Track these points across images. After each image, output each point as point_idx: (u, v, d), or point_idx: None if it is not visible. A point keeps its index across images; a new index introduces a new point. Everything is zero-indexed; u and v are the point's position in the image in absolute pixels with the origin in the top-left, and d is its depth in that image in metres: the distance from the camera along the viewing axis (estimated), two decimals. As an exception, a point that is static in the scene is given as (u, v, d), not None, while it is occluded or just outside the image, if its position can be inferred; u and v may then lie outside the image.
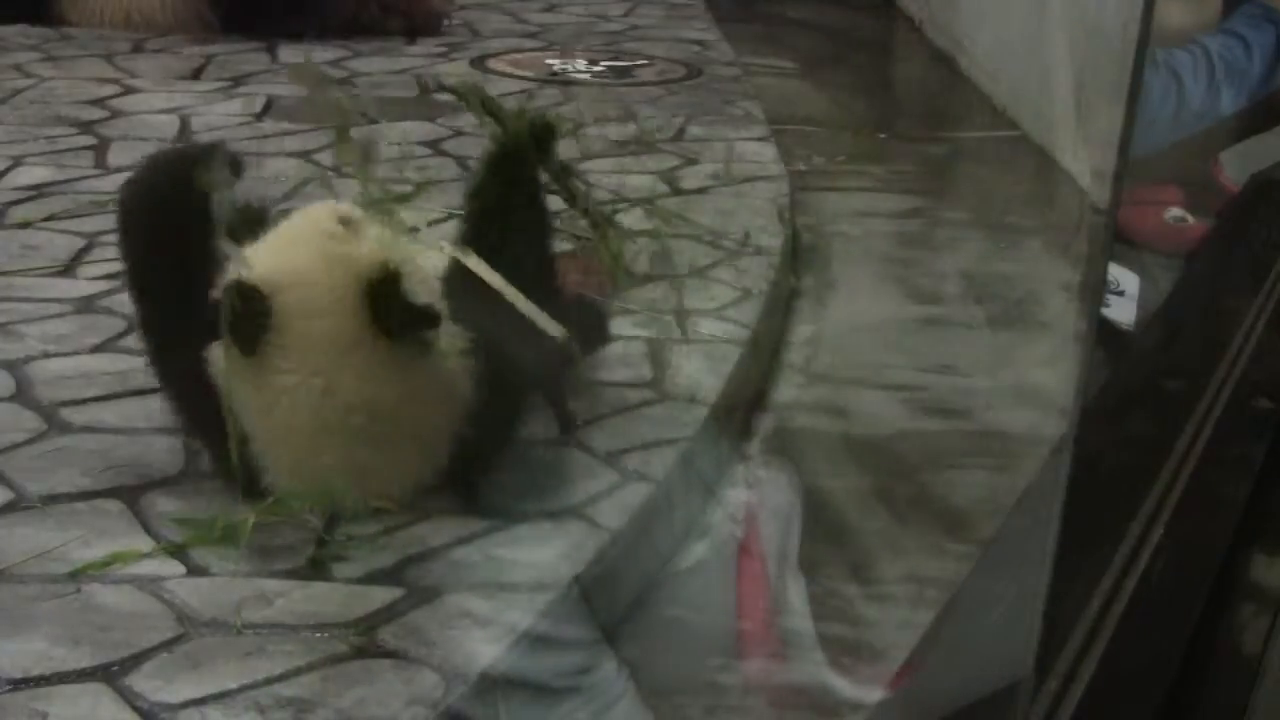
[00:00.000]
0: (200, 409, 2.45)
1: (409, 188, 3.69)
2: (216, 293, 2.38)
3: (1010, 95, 5.37)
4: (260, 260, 2.42)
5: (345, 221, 2.47)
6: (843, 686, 2.36)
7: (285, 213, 2.55)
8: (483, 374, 2.46)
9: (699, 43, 5.94)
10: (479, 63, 5.43)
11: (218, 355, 2.39)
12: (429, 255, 2.54)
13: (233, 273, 2.39)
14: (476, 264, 2.53)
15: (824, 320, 3.64)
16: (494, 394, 2.47)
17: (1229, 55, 4.30)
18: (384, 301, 2.38)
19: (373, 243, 2.44)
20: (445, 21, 5.92)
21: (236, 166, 2.51)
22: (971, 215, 4.38)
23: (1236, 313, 3.37)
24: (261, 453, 2.41)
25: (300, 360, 2.37)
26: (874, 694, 2.34)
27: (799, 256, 3.92)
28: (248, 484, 2.42)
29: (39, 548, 2.31)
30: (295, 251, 2.43)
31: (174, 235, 2.44)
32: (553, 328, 2.52)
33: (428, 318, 2.39)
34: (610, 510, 2.50)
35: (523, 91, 5.06)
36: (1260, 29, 4.35)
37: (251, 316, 2.35)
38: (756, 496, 2.87)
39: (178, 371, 2.47)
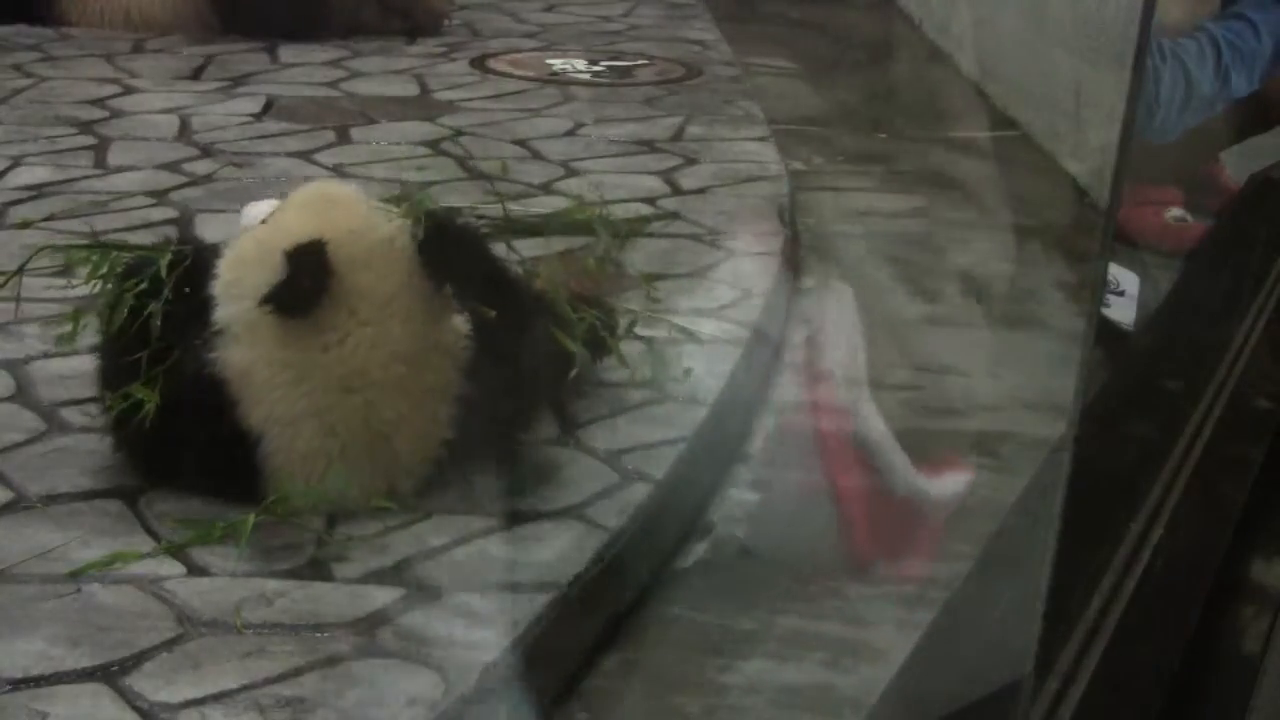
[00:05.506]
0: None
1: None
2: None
3: (1010, 95, 5.36)
4: (296, 223, 2.44)
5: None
6: (929, 486, 2.37)
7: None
8: (482, 346, 2.46)
9: (699, 43, 5.94)
10: (479, 63, 5.42)
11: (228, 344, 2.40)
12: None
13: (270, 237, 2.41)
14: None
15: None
16: (493, 372, 2.47)
17: (1236, 39, 4.27)
18: (445, 246, 2.42)
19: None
20: (445, 21, 5.92)
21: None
22: (971, 215, 4.38)
23: (1236, 313, 3.37)
24: (277, 439, 2.40)
25: (349, 315, 2.39)
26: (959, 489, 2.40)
27: (799, 256, 3.91)
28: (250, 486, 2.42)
29: (39, 548, 2.31)
30: (334, 212, 2.45)
31: None
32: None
33: (485, 262, 2.44)
34: (610, 510, 2.50)
35: (523, 91, 5.07)
36: (1267, 10, 4.32)
37: (312, 273, 2.37)
38: (819, 317, 2.86)
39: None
